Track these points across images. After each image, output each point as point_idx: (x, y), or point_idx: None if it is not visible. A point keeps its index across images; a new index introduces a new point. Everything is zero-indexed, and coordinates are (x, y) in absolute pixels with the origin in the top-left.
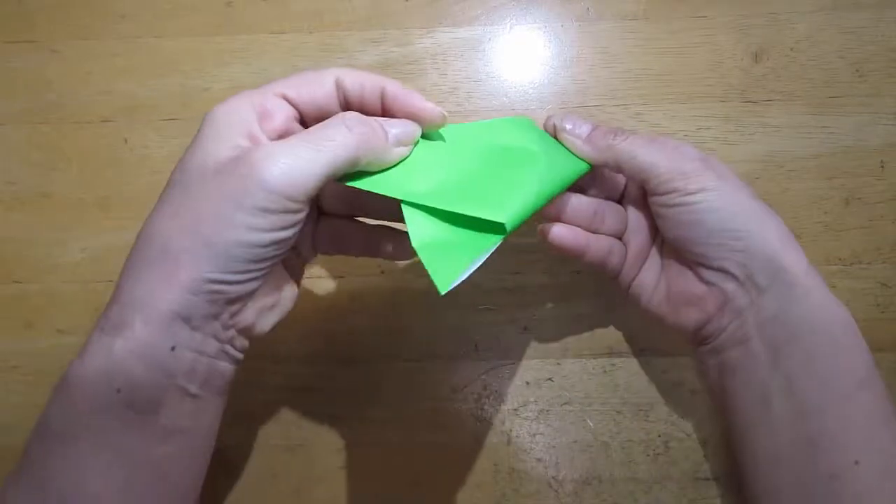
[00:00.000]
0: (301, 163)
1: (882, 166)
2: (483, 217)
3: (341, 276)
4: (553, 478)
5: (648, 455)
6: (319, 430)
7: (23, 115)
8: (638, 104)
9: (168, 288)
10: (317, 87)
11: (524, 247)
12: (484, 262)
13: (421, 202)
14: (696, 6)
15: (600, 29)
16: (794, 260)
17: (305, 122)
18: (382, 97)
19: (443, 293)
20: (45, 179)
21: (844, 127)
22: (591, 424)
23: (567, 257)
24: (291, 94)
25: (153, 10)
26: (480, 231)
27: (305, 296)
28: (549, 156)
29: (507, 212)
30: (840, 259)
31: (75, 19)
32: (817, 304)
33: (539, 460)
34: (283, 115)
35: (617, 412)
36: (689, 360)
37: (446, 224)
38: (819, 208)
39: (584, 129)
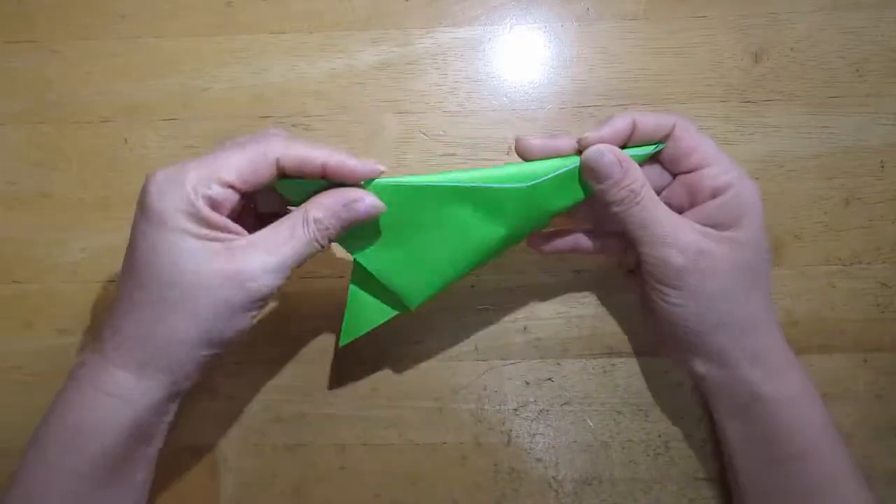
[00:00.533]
0: (284, 275)
1: (882, 166)
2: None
3: (340, 277)
4: (553, 478)
5: (648, 455)
6: (319, 430)
7: (23, 115)
8: (638, 104)
9: (175, 370)
10: (261, 172)
11: (524, 247)
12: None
13: (365, 263)
14: (696, 6)
15: (600, 29)
16: (774, 388)
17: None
18: (323, 170)
19: (342, 345)
20: (45, 179)
21: (844, 127)
22: (591, 424)
23: (566, 256)
24: (237, 182)
25: (153, 10)
26: (393, 299)
27: (305, 296)
28: (511, 230)
29: (421, 297)
30: (840, 259)
31: (75, 19)
32: (785, 423)
33: (539, 460)
34: (230, 203)
35: (617, 412)
36: None
37: (375, 284)
38: (819, 208)
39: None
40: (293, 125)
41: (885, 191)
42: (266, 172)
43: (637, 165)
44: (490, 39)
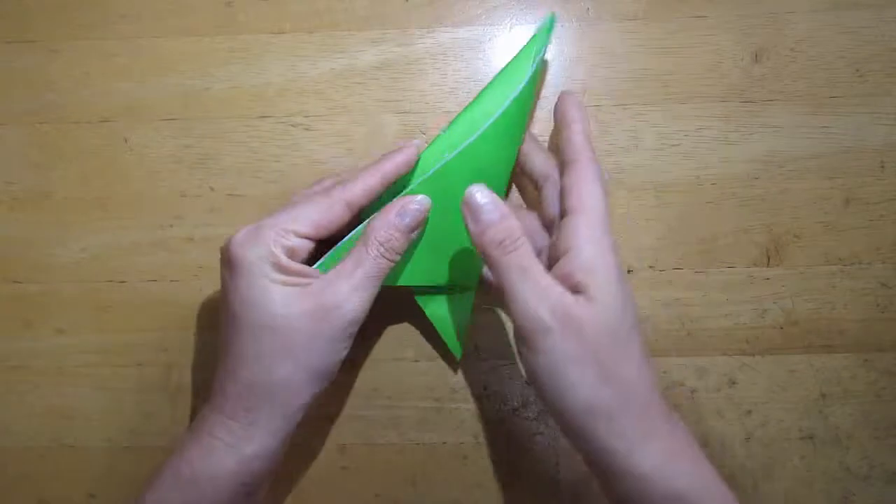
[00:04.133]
0: (365, 296)
1: (882, 166)
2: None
3: None
4: (553, 478)
5: None
6: (319, 430)
7: (23, 115)
8: (638, 104)
9: (283, 414)
10: (335, 218)
11: None
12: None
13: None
14: (696, 6)
15: (600, 29)
16: (638, 460)
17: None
18: (384, 182)
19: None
20: (45, 179)
21: (844, 127)
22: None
23: None
24: (311, 233)
25: (153, 10)
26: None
27: None
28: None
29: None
30: (840, 259)
31: (75, 19)
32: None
33: (539, 460)
34: (306, 250)
35: None
36: (689, 360)
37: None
38: (819, 208)
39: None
40: (293, 125)
41: (885, 191)
42: (339, 217)
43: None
44: (490, 39)
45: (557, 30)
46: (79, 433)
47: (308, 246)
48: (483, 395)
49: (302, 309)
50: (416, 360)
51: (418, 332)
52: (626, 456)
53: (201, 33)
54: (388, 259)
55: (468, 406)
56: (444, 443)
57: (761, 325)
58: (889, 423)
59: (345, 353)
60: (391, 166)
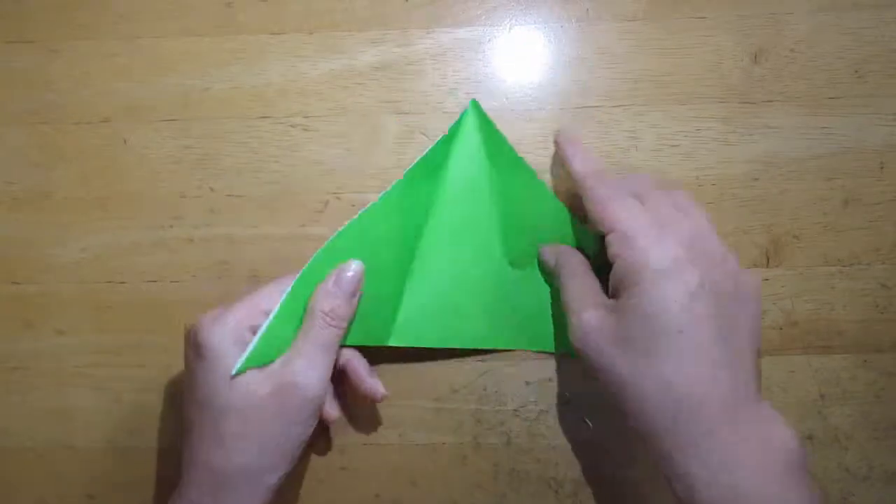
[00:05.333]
0: (322, 370)
1: (882, 167)
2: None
3: None
4: (553, 478)
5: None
6: (319, 431)
7: (23, 115)
8: (638, 105)
9: (250, 498)
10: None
11: None
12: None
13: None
14: (696, 6)
15: (600, 29)
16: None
17: None
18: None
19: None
20: (45, 179)
21: (844, 127)
22: (590, 424)
23: None
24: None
25: (153, 10)
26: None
27: None
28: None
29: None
30: (839, 260)
31: (75, 19)
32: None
33: (539, 460)
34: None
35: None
36: None
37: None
38: (818, 209)
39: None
40: (293, 125)
41: (885, 192)
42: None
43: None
44: (490, 40)
45: (557, 30)
46: (79, 433)
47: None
48: (483, 395)
49: (263, 391)
50: (417, 361)
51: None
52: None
53: (201, 33)
54: (335, 327)
55: (468, 406)
56: (444, 443)
57: (761, 325)
58: (888, 423)
59: (310, 431)
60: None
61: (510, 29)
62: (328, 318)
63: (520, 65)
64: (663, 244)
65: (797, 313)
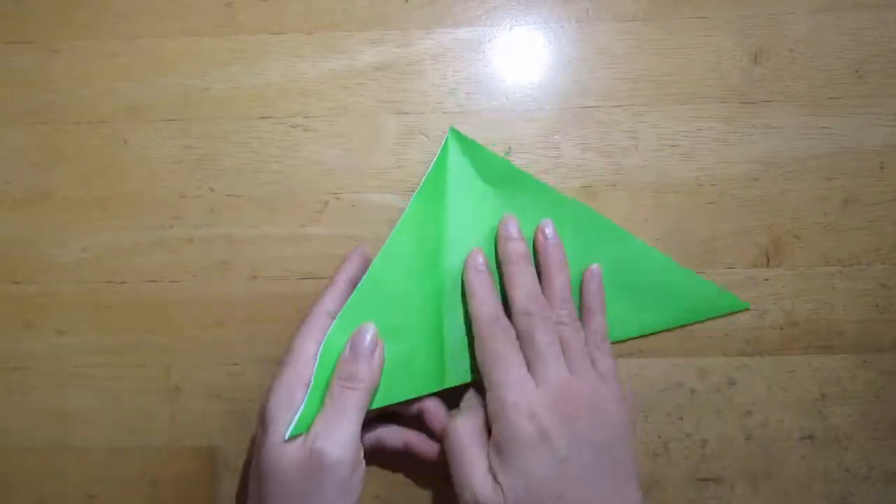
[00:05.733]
0: (346, 433)
1: (882, 167)
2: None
3: None
4: None
5: (648, 455)
6: None
7: (23, 115)
8: (638, 105)
9: None
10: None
11: None
12: None
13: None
14: (696, 6)
15: (600, 30)
16: None
17: None
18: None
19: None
20: (45, 179)
21: (844, 127)
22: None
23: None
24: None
25: (153, 10)
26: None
27: (306, 298)
28: None
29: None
30: (839, 260)
31: (75, 19)
32: None
33: None
34: None
35: None
36: (688, 360)
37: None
38: (818, 209)
39: None
40: (293, 125)
41: (885, 192)
42: (328, 327)
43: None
44: (490, 40)
45: (557, 30)
46: (79, 433)
47: None
48: None
49: (294, 455)
50: None
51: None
52: None
53: (201, 33)
54: (353, 390)
55: None
56: None
57: (761, 325)
58: (888, 423)
59: (350, 497)
60: (348, 272)
61: (510, 29)
62: (346, 384)
63: (520, 65)
64: (532, 418)
65: (797, 313)
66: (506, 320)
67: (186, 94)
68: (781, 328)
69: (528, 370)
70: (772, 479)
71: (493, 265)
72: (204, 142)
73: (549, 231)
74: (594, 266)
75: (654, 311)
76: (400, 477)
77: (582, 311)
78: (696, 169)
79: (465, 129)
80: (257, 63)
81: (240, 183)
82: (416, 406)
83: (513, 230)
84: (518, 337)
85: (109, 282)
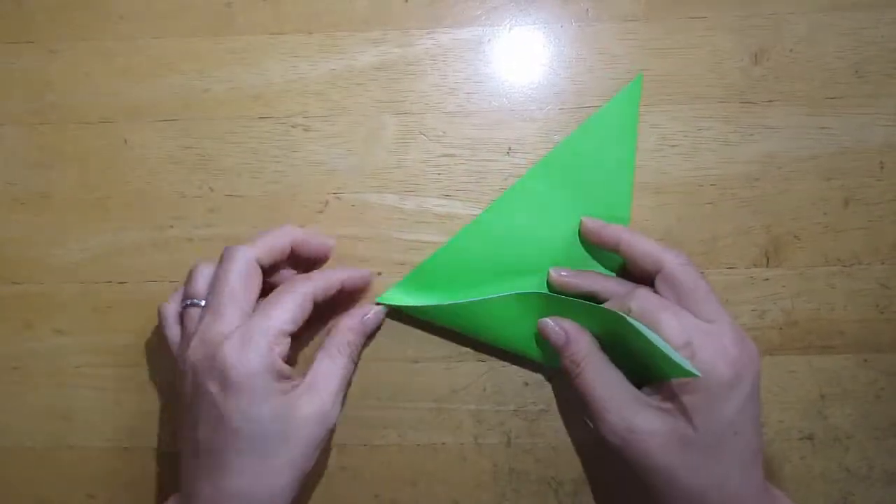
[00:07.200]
0: (340, 398)
1: (882, 167)
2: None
3: None
4: (553, 478)
5: None
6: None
7: (23, 115)
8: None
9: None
10: (307, 312)
11: None
12: None
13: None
14: (696, 7)
15: (600, 30)
16: None
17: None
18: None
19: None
20: (45, 179)
21: (844, 127)
22: (591, 424)
23: None
24: (295, 330)
25: (153, 10)
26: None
27: None
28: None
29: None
30: (839, 260)
31: (75, 19)
32: None
33: (539, 460)
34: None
35: None
36: None
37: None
38: (819, 209)
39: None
40: (293, 126)
41: (885, 191)
42: (309, 312)
43: (585, 336)
44: (490, 40)
45: (557, 30)
46: (79, 433)
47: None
48: (483, 395)
49: (300, 417)
50: (416, 361)
51: (418, 332)
52: None
53: (201, 33)
54: (354, 361)
55: (468, 406)
56: (444, 443)
57: (761, 325)
58: (889, 423)
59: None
60: (351, 280)
61: (510, 29)
62: (348, 349)
63: (520, 65)
64: (727, 355)
65: (797, 313)
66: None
67: (186, 94)
68: (781, 328)
69: (696, 317)
70: (772, 479)
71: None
72: (204, 142)
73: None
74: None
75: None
76: (400, 477)
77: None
78: (695, 169)
79: (464, 130)
80: (257, 63)
81: (240, 183)
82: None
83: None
84: (676, 285)
85: (109, 281)
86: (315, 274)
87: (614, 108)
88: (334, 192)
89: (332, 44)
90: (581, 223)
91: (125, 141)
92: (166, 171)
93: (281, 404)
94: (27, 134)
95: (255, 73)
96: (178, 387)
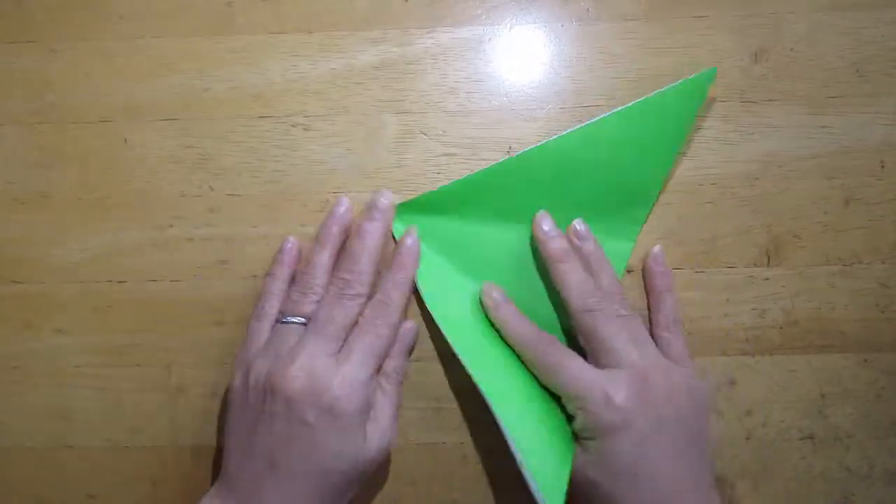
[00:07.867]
0: (395, 418)
1: (882, 166)
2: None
3: None
4: None
5: None
6: None
7: (23, 115)
8: None
9: None
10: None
11: None
12: None
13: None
14: (696, 6)
15: (600, 29)
16: None
17: None
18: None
19: None
20: (45, 179)
21: (845, 126)
22: None
23: None
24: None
25: (153, 10)
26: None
27: None
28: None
29: None
30: (840, 259)
31: (75, 19)
32: None
33: None
34: None
35: None
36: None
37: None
38: (819, 208)
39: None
40: (293, 125)
41: (886, 191)
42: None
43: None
44: (490, 39)
45: (557, 30)
46: (79, 433)
47: None
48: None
49: (373, 451)
50: (416, 360)
51: (419, 332)
52: None
53: (201, 33)
54: (401, 382)
55: (468, 406)
56: (444, 443)
57: (761, 325)
58: (889, 422)
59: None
60: (411, 269)
61: (510, 28)
62: (394, 375)
63: (520, 64)
64: (611, 404)
65: (797, 313)
66: (546, 333)
67: (186, 93)
68: (781, 327)
69: (598, 365)
70: (772, 478)
71: (517, 277)
72: (204, 142)
73: (581, 230)
74: (655, 248)
75: (652, 154)
76: (400, 477)
77: (649, 294)
78: (695, 168)
79: (465, 129)
80: (257, 63)
81: (240, 183)
82: None
83: (548, 228)
84: (581, 335)
85: (109, 282)
86: (406, 324)
87: (678, 93)
88: (334, 192)
89: (332, 43)
90: (534, 217)
91: (125, 141)
92: (166, 170)
93: (361, 437)
94: (27, 134)
95: (256, 72)
96: (240, 390)
